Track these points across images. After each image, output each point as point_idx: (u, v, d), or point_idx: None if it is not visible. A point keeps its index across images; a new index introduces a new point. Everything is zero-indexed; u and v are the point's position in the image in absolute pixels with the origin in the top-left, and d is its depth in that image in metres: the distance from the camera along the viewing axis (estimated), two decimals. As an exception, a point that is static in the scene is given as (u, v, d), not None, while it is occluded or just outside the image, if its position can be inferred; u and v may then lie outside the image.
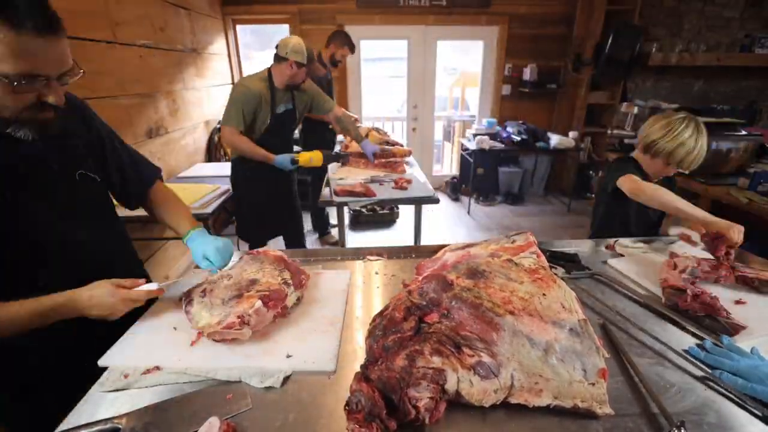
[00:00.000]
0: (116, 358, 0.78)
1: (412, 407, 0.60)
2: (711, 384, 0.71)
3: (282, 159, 2.15)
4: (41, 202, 0.82)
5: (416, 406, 0.60)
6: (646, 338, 0.83)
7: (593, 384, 0.65)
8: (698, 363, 0.75)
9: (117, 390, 0.70)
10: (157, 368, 0.74)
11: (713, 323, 0.86)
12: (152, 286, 0.86)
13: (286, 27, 4.27)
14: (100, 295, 0.79)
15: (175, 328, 0.86)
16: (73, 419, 0.65)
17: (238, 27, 4.32)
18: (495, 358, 0.67)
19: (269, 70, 2.17)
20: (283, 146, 2.30)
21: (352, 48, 2.99)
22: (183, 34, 2.96)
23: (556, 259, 1.15)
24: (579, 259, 1.17)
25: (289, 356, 0.77)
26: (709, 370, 0.73)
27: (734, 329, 0.83)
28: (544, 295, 0.77)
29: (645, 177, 1.43)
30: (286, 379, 0.72)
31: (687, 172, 1.42)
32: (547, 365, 0.67)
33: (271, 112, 2.17)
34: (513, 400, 0.65)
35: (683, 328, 0.87)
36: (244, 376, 0.72)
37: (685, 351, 0.78)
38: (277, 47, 2.10)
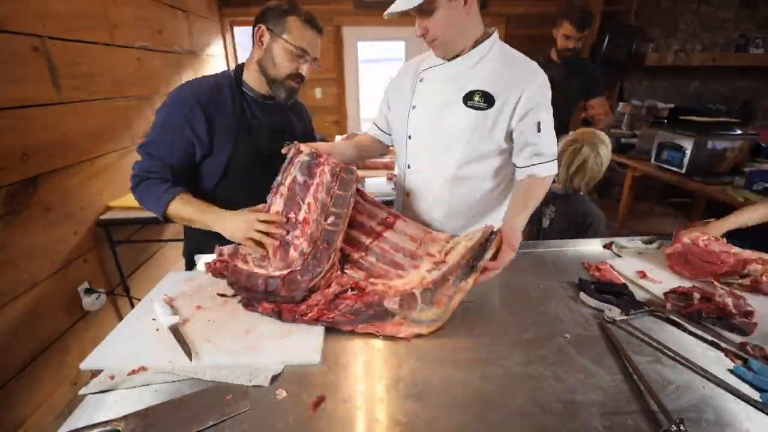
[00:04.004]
0: (100, 360, 0.77)
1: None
2: (708, 382, 0.71)
3: None
4: (254, 150, 1.21)
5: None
6: (643, 337, 0.83)
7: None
8: (706, 375, 0.75)
9: (103, 391, 0.70)
10: (143, 368, 0.74)
11: (724, 324, 0.86)
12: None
13: (283, 29, 4.27)
14: (231, 221, 1.03)
15: (157, 330, 0.85)
16: (71, 422, 0.65)
17: (236, 29, 4.32)
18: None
19: None
20: None
21: None
22: (181, 36, 2.95)
23: (603, 293, 0.97)
24: (629, 290, 1.00)
25: (274, 352, 0.77)
26: (755, 391, 0.68)
27: (749, 329, 0.83)
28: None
29: None
30: (275, 377, 0.72)
31: None
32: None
33: None
34: None
35: (682, 327, 0.87)
36: (231, 377, 0.72)
37: (731, 371, 0.74)
38: None
